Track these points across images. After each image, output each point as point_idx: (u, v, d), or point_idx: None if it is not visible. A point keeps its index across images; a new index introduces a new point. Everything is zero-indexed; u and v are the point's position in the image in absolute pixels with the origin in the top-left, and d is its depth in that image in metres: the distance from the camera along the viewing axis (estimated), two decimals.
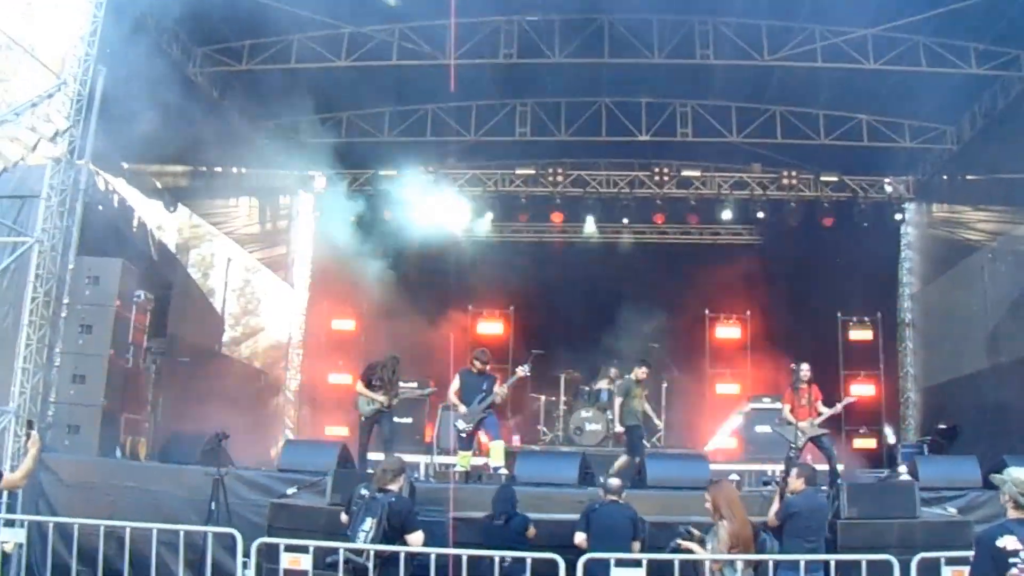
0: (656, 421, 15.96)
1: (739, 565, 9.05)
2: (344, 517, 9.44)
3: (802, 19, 17.20)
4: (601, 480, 11.76)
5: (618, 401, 15.81)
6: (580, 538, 10.22)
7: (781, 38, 17.46)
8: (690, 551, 9.59)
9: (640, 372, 15.92)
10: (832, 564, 9.06)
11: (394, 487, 9.22)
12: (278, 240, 22.67)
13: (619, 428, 15.73)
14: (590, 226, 24.58)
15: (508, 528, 10.43)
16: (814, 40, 17.35)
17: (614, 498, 10.71)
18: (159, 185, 18.16)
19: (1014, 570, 6.35)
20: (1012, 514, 6.63)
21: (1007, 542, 6.44)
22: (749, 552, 9.14)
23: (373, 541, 8.84)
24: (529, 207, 23.52)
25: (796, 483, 10.27)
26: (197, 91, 17.71)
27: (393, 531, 8.92)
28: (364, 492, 9.23)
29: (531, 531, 10.50)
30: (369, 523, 8.91)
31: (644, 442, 16.06)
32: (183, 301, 17.77)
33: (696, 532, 10.03)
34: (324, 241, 23.54)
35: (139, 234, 17.01)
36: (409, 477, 12.17)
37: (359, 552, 8.82)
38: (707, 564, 9.23)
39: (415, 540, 8.98)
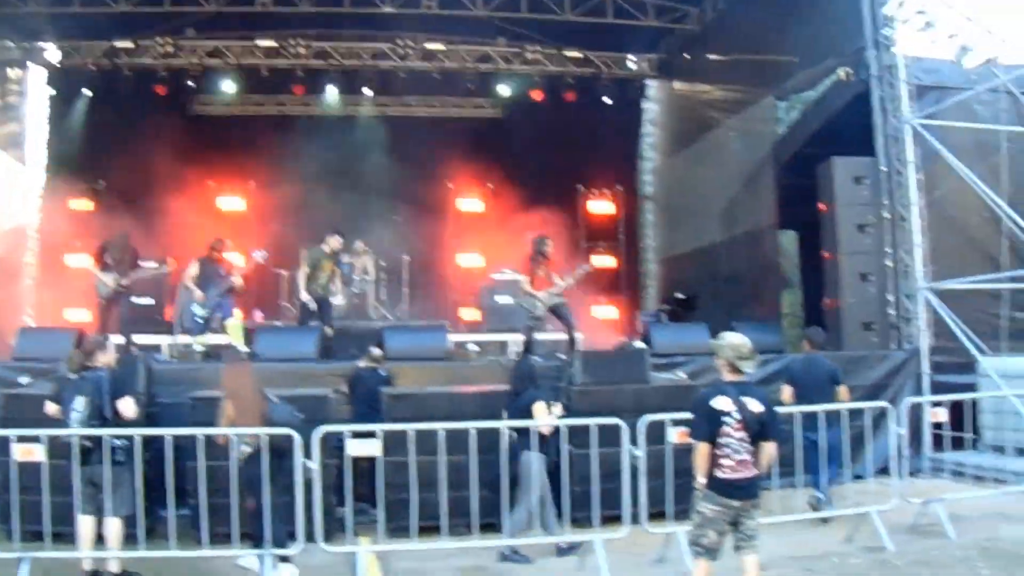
0: (337, 300, 15.81)
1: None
2: (51, 407, 9.04)
3: None
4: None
5: (304, 271, 15.20)
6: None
7: None
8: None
9: (333, 242, 15.40)
10: (563, 429, 9.60)
11: (100, 363, 8.97)
12: (8, 117, 21.47)
13: (304, 297, 15.08)
14: (332, 98, 24.20)
15: None
16: None
17: (375, 365, 11.96)
18: None
19: (726, 427, 7.05)
20: (727, 376, 7.28)
21: (720, 403, 7.10)
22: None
23: (89, 418, 8.69)
24: (270, 80, 23.03)
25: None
26: None
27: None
28: (71, 376, 8.98)
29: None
30: (81, 402, 8.73)
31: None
32: None
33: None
34: (58, 117, 22.28)
35: None
36: (148, 359, 12.43)
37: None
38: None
39: (124, 406, 8.81)
